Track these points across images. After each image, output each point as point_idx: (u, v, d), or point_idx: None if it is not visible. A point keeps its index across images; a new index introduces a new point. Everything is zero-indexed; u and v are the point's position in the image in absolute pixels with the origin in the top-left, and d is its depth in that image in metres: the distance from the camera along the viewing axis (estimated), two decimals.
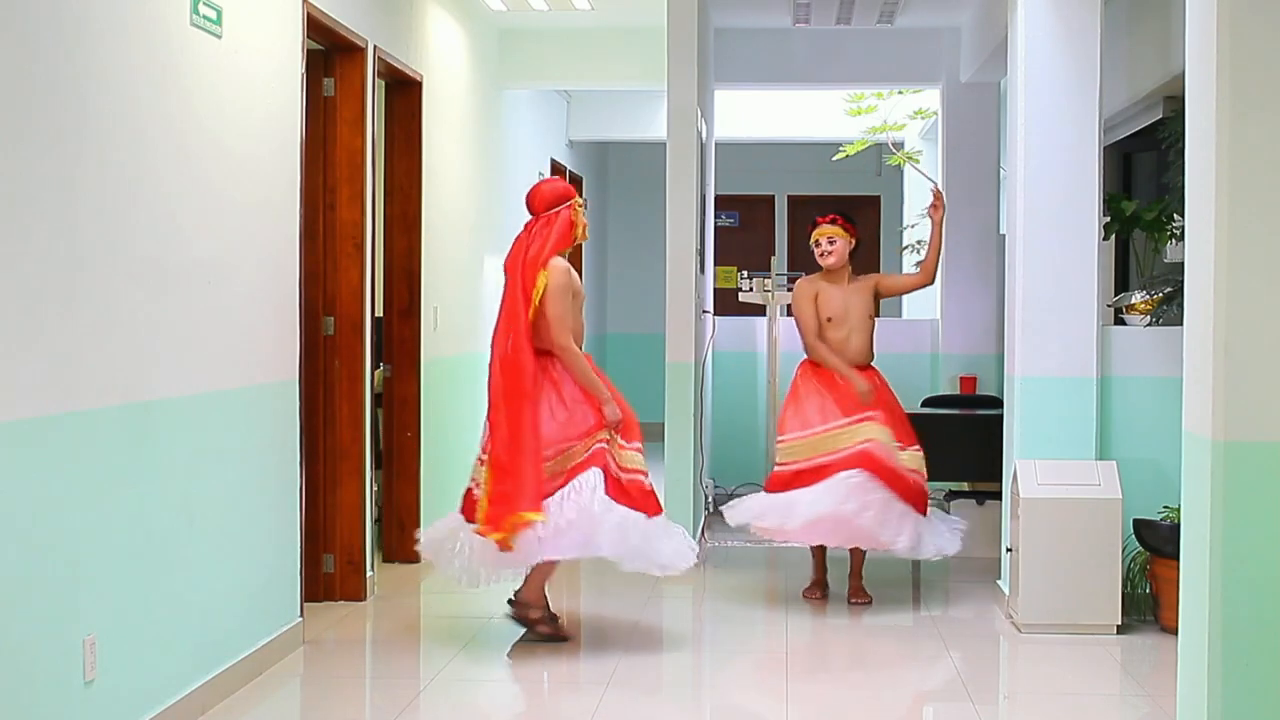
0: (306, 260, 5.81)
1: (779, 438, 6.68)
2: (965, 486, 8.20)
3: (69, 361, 3.90)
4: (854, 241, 6.92)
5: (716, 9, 8.80)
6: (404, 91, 7.33)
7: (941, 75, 9.70)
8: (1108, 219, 6.39)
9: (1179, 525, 4.14)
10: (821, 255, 6.83)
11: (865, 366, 6.70)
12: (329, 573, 6.42)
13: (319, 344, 6.37)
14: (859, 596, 6.60)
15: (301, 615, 5.69)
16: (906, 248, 11.35)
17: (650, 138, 11.56)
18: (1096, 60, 6.11)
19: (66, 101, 3.89)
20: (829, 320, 6.71)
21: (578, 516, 5.53)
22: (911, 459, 6.55)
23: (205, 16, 4.73)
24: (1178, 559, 4.06)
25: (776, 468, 6.61)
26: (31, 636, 3.75)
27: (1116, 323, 6.50)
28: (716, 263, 10.30)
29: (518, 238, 5.82)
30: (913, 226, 11.43)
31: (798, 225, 7.39)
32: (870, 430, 6.44)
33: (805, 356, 6.79)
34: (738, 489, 8.71)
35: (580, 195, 6.14)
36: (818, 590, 6.71)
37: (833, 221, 6.85)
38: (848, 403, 6.51)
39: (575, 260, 7.13)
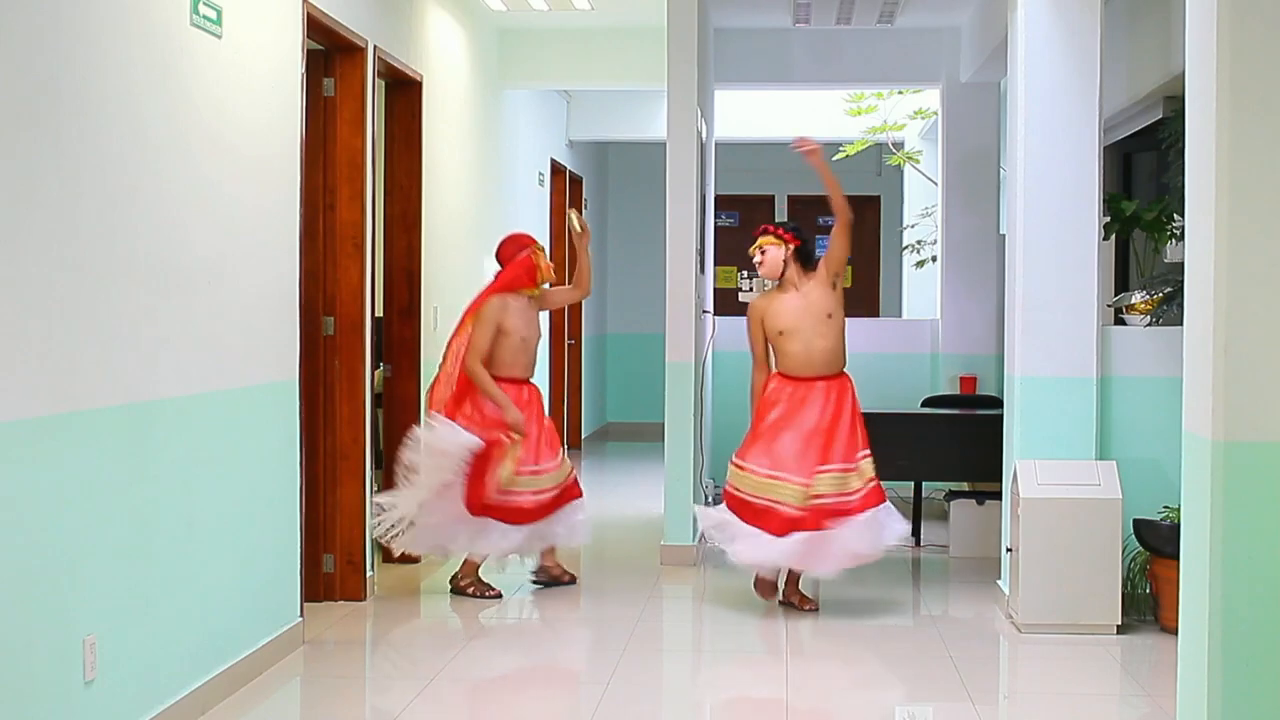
0: (306, 260, 5.81)
1: (739, 461, 6.39)
2: (965, 486, 8.21)
3: (69, 361, 3.90)
4: (791, 246, 6.48)
5: (716, 9, 8.80)
6: (404, 91, 7.33)
7: (941, 75, 9.70)
8: (1108, 219, 6.39)
9: (1179, 525, 4.14)
10: (757, 266, 6.54)
11: (835, 375, 6.41)
12: (329, 573, 6.42)
13: (319, 344, 6.37)
14: (805, 602, 6.43)
15: (301, 615, 5.69)
16: (907, 248, 11.36)
17: (650, 138, 11.56)
18: (1096, 60, 6.11)
19: (67, 101, 3.89)
20: (781, 334, 6.41)
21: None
22: (858, 477, 6.27)
23: (205, 16, 4.73)
24: (1178, 559, 4.07)
25: (733, 490, 6.39)
26: (31, 636, 3.75)
27: (1116, 323, 6.50)
28: (716, 263, 10.30)
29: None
30: (913, 226, 11.44)
31: (798, 225, 7.43)
32: (821, 485, 6.21)
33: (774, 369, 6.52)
34: None
35: (583, 196, 6.49)
36: (769, 589, 6.50)
37: (764, 232, 6.54)
38: (807, 447, 6.28)
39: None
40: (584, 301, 12.64)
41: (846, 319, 6.52)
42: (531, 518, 6.63)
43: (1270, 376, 3.53)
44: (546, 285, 6.97)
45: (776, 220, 6.66)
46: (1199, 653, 3.61)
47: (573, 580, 7.00)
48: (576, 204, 12.60)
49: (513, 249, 6.84)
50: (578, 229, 6.97)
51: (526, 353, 6.78)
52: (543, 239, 9.91)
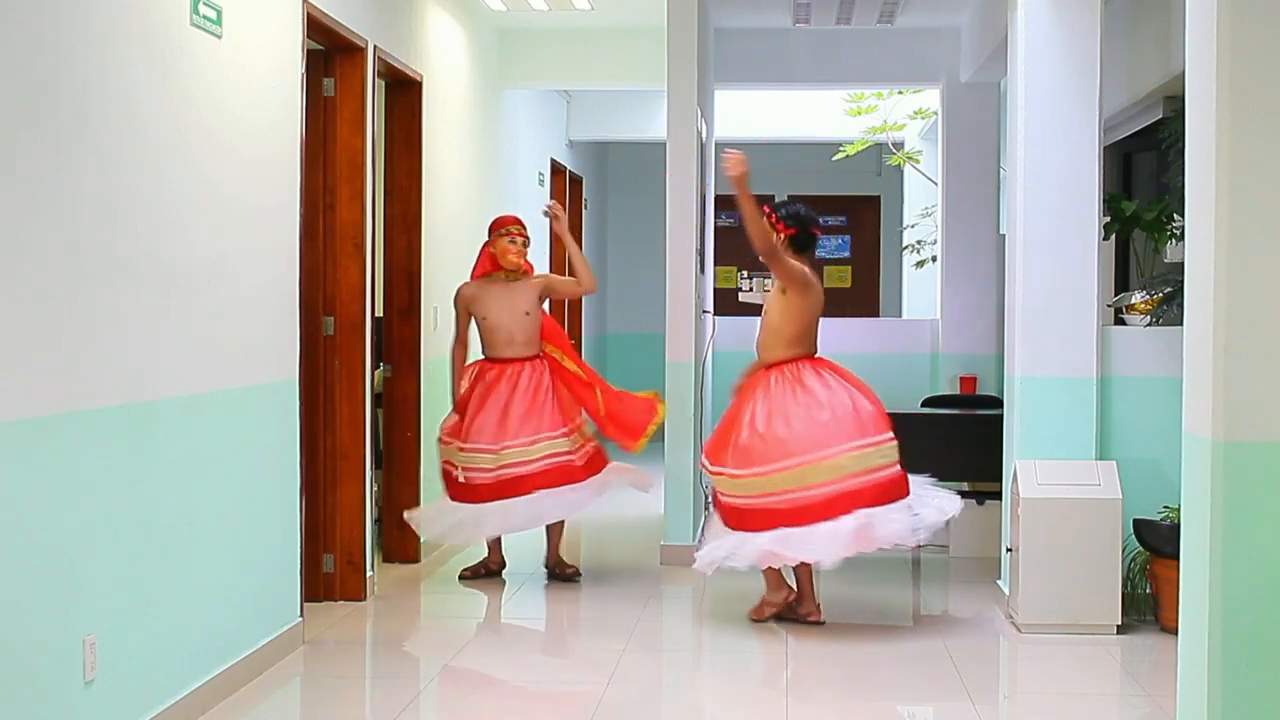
0: (306, 260, 5.81)
1: (734, 471, 6.01)
2: (965, 486, 8.20)
3: (69, 362, 3.90)
4: (782, 236, 6.21)
5: (716, 9, 8.80)
6: (404, 91, 7.33)
7: (941, 75, 9.70)
8: (1108, 219, 6.39)
9: (1179, 525, 4.14)
10: None
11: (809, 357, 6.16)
12: (329, 573, 6.42)
13: (319, 344, 6.37)
14: (816, 614, 6.18)
15: (301, 615, 5.69)
16: (907, 248, 11.36)
17: (650, 138, 11.56)
18: (1096, 60, 6.12)
19: (67, 101, 3.89)
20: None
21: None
22: (882, 454, 5.99)
23: (205, 16, 4.73)
24: (1178, 559, 4.06)
25: (733, 500, 6.03)
26: (31, 636, 3.75)
27: (1116, 323, 6.50)
28: (716, 263, 10.30)
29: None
30: (913, 226, 11.44)
31: None
32: (844, 465, 5.90)
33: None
34: None
35: (583, 196, 6.53)
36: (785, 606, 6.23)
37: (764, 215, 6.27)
38: (810, 429, 5.96)
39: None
40: (584, 301, 12.64)
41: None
42: (482, 496, 6.76)
43: (1270, 376, 3.53)
44: (515, 269, 7.02)
45: (777, 202, 6.45)
46: (1199, 653, 3.61)
47: (576, 574, 7.09)
48: (576, 204, 12.59)
49: (490, 232, 7.10)
50: (545, 213, 7.22)
51: (503, 333, 6.94)
52: (543, 239, 9.91)
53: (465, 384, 6.94)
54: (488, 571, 7.09)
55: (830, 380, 6.12)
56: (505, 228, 7.03)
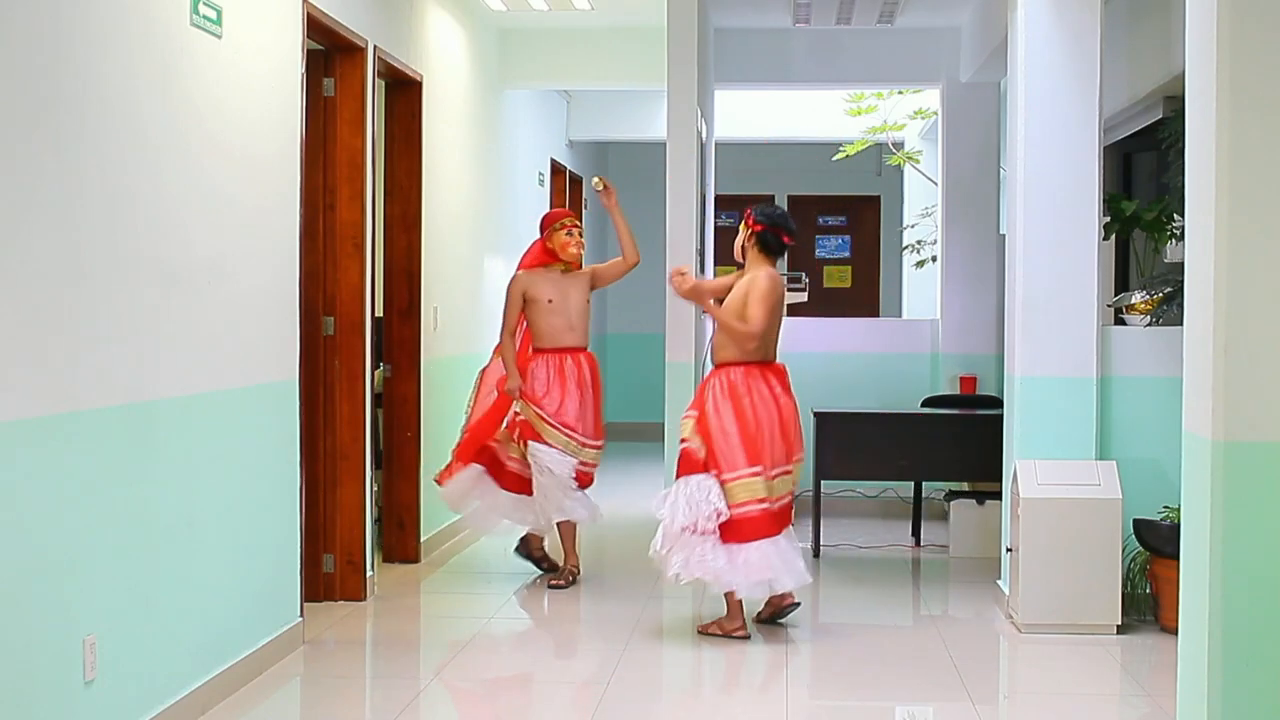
0: (306, 260, 5.81)
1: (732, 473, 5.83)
2: (965, 486, 8.21)
3: (69, 362, 3.90)
4: (750, 231, 6.12)
5: (716, 9, 8.80)
6: (404, 91, 7.33)
7: (941, 75, 9.70)
8: (1108, 219, 6.39)
9: (1179, 525, 4.14)
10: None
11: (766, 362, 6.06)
12: (329, 573, 6.42)
13: (319, 344, 6.37)
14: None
15: (301, 615, 5.69)
16: (907, 248, 11.36)
17: (650, 138, 11.55)
18: (1096, 60, 6.11)
19: (67, 101, 3.89)
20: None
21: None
22: (790, 480, 6.00)
23: (205, 16, 4.73)
24: (1178, 559, 4.07)
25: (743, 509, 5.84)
26: (31, 636, 3.75)
27: (1116, 323, 6.50)
28: (716, 263, 10.30)
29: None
30: (913, 226, 11.44)
31: (798, 225, 7.38)
32: (789, 484, 5.98)
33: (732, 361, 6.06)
34: None
35: (583, 196, 6.48)
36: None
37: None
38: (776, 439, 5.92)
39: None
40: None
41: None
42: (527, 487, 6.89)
43: (1270, 376, 3.53)
44: (575, 261, 6.96)
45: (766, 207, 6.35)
46: (1199, 653, 3.61)
47: (553, 568, 7.12)
48: (576, 204, 12.59)
49: (542, 227, 7.01)
50: (599, 188, 6.98)
51: (563, 318, 6.85)
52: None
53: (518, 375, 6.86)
54: (549, 566, 7.14)
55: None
56: (560, 221, 6.95)
